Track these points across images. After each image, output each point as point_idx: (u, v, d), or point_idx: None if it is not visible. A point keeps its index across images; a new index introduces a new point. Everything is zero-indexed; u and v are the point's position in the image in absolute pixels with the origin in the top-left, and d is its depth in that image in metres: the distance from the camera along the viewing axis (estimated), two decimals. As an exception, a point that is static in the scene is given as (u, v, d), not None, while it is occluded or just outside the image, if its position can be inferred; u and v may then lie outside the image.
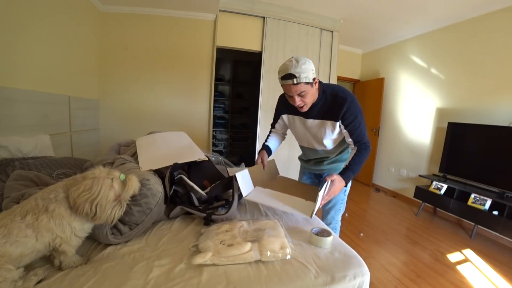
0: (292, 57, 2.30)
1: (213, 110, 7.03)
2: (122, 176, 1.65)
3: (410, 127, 7.58)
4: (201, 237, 1.88)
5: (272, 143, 3.11)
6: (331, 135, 2.69)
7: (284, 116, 2.92)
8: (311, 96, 2.45)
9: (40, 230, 1.46)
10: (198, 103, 7.00)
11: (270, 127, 3.19)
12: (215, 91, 7.23)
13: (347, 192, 3.12)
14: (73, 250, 1.58)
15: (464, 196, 5.52)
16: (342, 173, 2.46)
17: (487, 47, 5.60)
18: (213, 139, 8.70)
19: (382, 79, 8.37)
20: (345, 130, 2.58)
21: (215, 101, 7.63)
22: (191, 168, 2.81)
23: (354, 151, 2.59)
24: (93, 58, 6.16)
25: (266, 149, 3.02)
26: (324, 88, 2.57)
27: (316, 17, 6.80)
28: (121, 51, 6.46)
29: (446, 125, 6.26)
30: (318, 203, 2.25)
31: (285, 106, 2.81)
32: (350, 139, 2.60)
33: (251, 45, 6.57)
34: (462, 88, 6.12)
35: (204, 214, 2.19)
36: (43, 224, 1.47)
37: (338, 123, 2.56)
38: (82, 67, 5.64)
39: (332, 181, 2.34)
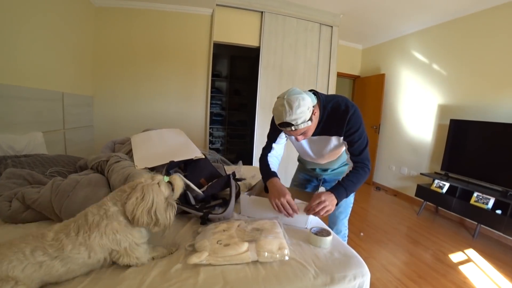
0: (284, 99, 2.10)
1: (210, 106, 7.04)
2: (166, 178, 1.66)
3: (411, 124, 7.59)
4: (198, 236, 1.88)
5: (276, 167, 2.80)
6: (336, 149, 2.65)
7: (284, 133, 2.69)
8: (312, 128, 2.34)
9: (94, 248, 1.45)
10: (195, 99, 6.99)
11: (265, 150, 2.82)
12: (212, 88, 7.22)
13: (354, 194, 3.01)
14: (140, 259, 1.58)
15: (467, 195, 5.52)
16: (334, 189, 2.31)
17: (490, 42, 5.61)
18: (210, 136, 8.71)
19: (383, 75, 8.38)
20: (344, 141, 2.49)
21: (212, 97, 7.64)
22: (187, 166, 2.81)
23: (350, 168, 2.47)
24: (88, 53, 6.15)
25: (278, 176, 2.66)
26: (324, 104, 2.41)
27: (315, 12, 6.79)
28: (116, 46, 6.44)
29: (448, 122, 6.26)
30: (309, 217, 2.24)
31: None
32: (347, 150, 2.50)
33: (249, 40, 6.57)
34: (464, 84, 6.13)
35: (201, 213, 2.18)
36: (96, 242, 1.46)
37: (342, 137, 2.46)
38: (76, 63, 5.62)
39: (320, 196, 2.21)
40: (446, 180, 5.99)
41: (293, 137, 2.65)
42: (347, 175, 2.42)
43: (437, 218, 6.32)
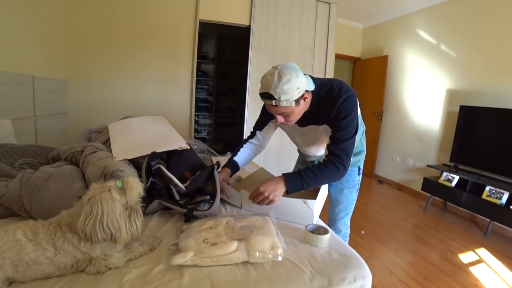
0: (276, 69, 2.09)
1: (195, 92, 7.00)
2: (119, 183, 1.60)
3: (417, 111, 7.60)
4: (182, 234, 1.86)
5: (242, 157, 2.85)
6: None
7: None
8: (297, 114, 2.31)
9: (58, 249, 1.46)
10: (178, 84, 6.94)
11: (249, 136, 2.96)
12: (197, 71, 7.20)
13: (358, 191, 3.03)
14: (112, 265, 1.56)
15: (478, 189, 5.51)
16: (289, 177, 2.26)
17: (505, 20, 5.59)
18: (195, 124, 8.65)
19: (386, 57, 8.37)
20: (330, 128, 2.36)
21: (197, 81, 7.60)
22: (170, 157, 2.81)
23: (322, 161, 2.34)
24: (61, 33, 6.05)
25: (231, 166, 2.79)
26: (318, 90, 2.34)
27: (312, -13, 6.74)
28: (92, 25, 6.34)
29: (457, 109, 6.27)
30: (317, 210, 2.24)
31: None
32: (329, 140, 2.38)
33: (238, 19, 6.54)
34: (476, 67, 6.13)
35: (185, 210, 2.17)
36: (60, 243, 1.47)
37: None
38: (48, 43, 5.53)
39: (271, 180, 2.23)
40: (456, 173, 5.99)
41: (285, 126, 2.69)
42: (313, 165, 2.33)
43: (445, 214, 6.36)
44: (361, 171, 2.97)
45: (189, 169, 2.78)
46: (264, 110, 2.73)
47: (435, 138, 7.08)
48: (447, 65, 6.72)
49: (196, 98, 7.66)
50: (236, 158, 2.80)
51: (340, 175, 2.29)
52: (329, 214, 3.11)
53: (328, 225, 2.94)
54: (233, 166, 2.77)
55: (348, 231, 3.16)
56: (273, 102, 2.11)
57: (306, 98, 2.23)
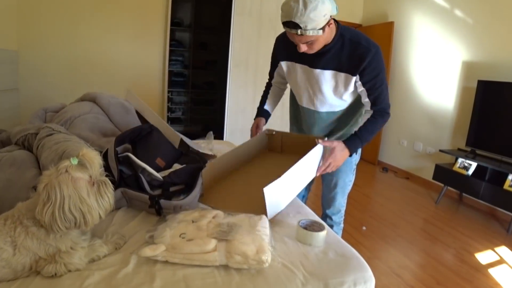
0: None
1: (169, 64, 6.98)
2: (74, 160, 1.57)
3: (427, 87, 7.60)
4: (162, 225, 1.84)
5: (271, 105, 3.20)
6: (342, 92, 2.68)
7: (283, 63, 2.87)
8: (321, 42, 2.42)
9: (18, 245, 1.45)
10: (148, 55, 6.90)
11: (268, 79, 3.22)
12: (171, 40, 7.18)
13: (355, 171, 3.13)
14: (72, 265, 1.52)
15: (499, 178, 5.51)
16: (347, 140, 2.55)
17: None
18: (168, 102, 8.60)
19: (391, 23, 8.35)
20: (362, 88, 2.59)
21: (171, 52, 7.57)
22: (137, 143, 2.79)
23: (368, 116, 2.61)
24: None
25: (265, 115, 3.14)
26: (342, 31, 2.51)
27: None
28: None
29: (475, 84, 6.25)
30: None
31: (284, 49, 2.76)
32: (366, 99, 2.63)
33: (219, -22, 6.52)
34: (496, 36, 6.12)
35: (146, 195, 2.12)
36: (20, 240, 1.45)
37: (354, 78, 2.55)
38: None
39: (332, 149, 2.42)
40: (473, 159, 5.97)
41: (285, 67, 2.87)
42: (364, 124, 2.64)
43: (460, 207, 6.39)
44: (358, 150, 3.02)
45: (161, 155, 2.76)
46: (273, 54, 3.02)
47: (448, 119, 7.08)
48: (463, 34, 6.70)
49: (170, 72, 7.63)
50: (266, 106, 3.09)
51: (386, 122, 2.69)
52: (326, 196, 3.19)
53: (323, 208, 3.15)
54: (266, 115, 3.08)
55: (343, 216, 3.31)
56: (299, 31, 2.20)
57: (331, 24, 2.33)
